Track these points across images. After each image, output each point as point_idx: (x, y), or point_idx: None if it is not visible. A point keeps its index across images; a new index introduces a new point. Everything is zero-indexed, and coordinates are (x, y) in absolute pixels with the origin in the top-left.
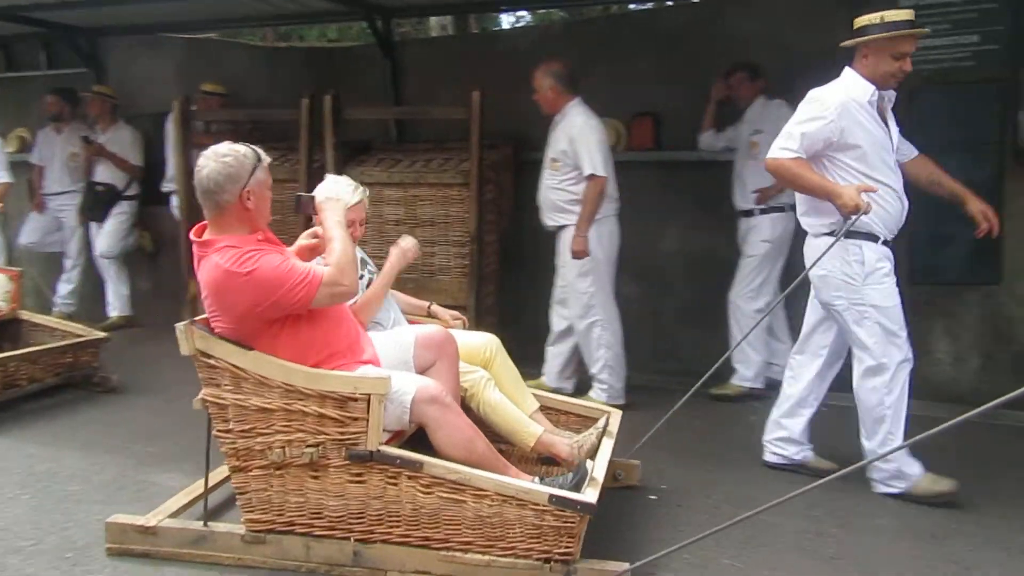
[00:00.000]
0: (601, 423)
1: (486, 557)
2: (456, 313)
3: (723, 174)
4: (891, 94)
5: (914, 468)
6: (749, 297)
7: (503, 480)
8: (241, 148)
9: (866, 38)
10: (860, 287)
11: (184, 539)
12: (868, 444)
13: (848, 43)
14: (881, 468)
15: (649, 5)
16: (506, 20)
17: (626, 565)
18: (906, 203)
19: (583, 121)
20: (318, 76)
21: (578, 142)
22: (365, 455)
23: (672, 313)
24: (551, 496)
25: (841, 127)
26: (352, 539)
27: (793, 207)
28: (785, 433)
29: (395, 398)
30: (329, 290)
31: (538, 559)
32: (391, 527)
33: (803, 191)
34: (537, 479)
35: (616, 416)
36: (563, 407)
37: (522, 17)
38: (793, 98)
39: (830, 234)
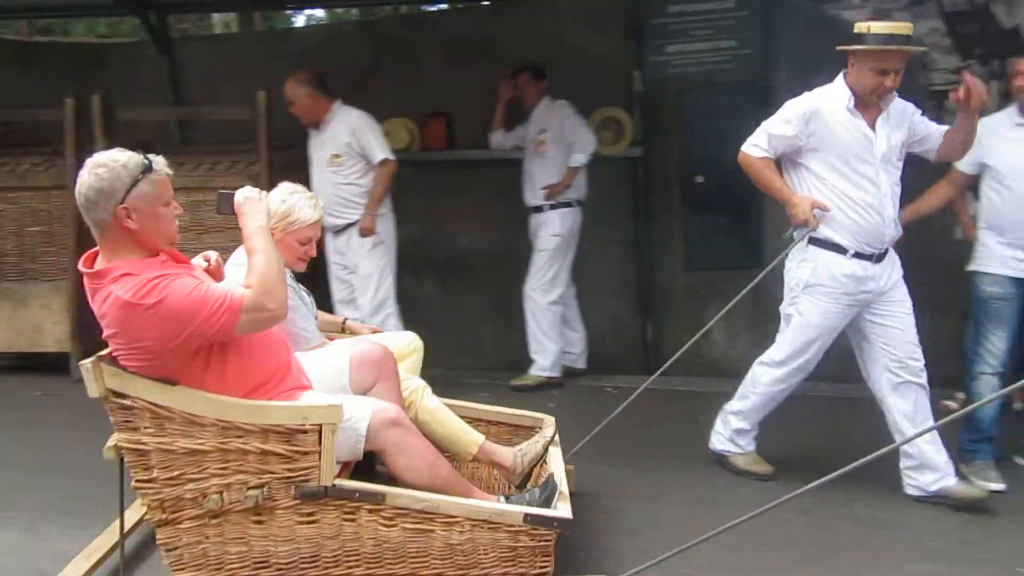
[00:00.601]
0: (548, 432)
1: None
2: (374, 326)
3: (515, 172)
4: (897, 102)
5: (749, 445)
6: (543, 290)
7: (474, 504)
8: (123, 156)
9: (851, 47)
10: (799, 293)
11: None
12: (728, 406)
13: (841, 47)
14: (727, 431)
15: (441, 6)
16: (301, 18)
17: None
18: (889, 215)
19: (358, 114)
20: (86, 74)
21: (363, 132)
22: (319, 492)
23: (472, 308)
24: (526, 515)
25: (809, 133)
26: None
27: (580, 202)
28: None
29: (348, 426)
30: (252, 316)
31: None
32: (350, 568)
33: (764, 190)
34: (502, 498)
35: (550, 422)
36: (491, 417)
37: (313, 16)
38: (579, 99)
39: (831, 245)
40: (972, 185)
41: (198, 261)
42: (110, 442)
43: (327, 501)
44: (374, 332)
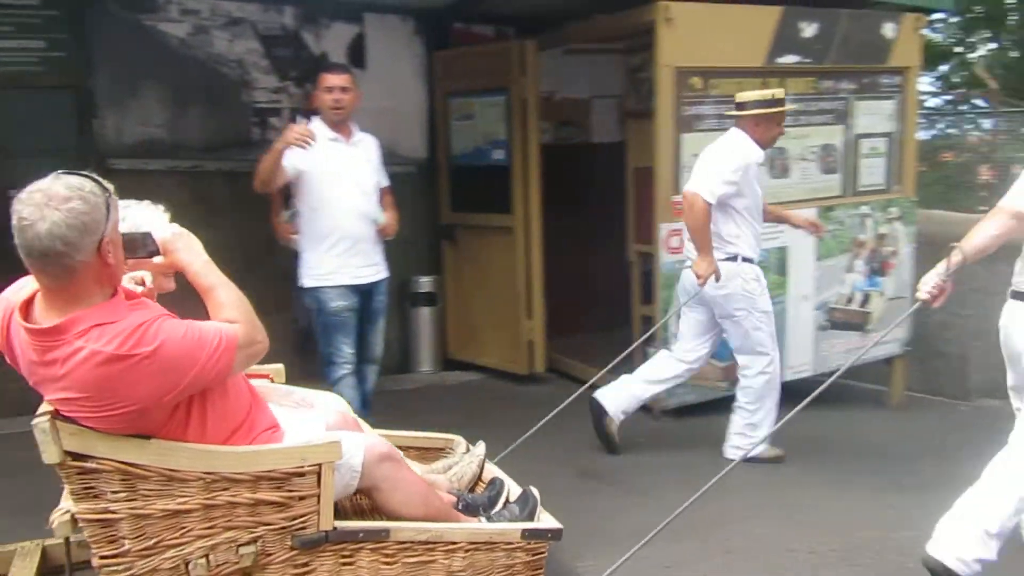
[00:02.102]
0: (477, 450)
1: None
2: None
3: None
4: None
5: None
6: None
7: (474, 527)
8: (77, 181)
9: (769, 111)
10: (757, 298)
11: None
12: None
13: (762, 112)
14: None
15: None
16: None
17: None
18: None
19: None
20: None
21: None
22: (319, 538)
23: None
24: (524, 531)
25: (745, 182)
26: None
27: None
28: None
29: (343, 463)
30: (246, 352)
31: None
32: None
33: (695, 232)
34: (484, 519)
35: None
36: (401, 442)
37: None
38: None
39: (731, 259)
40: None
41: (128, 285)
42: (59, 515)
43: (325, 547)
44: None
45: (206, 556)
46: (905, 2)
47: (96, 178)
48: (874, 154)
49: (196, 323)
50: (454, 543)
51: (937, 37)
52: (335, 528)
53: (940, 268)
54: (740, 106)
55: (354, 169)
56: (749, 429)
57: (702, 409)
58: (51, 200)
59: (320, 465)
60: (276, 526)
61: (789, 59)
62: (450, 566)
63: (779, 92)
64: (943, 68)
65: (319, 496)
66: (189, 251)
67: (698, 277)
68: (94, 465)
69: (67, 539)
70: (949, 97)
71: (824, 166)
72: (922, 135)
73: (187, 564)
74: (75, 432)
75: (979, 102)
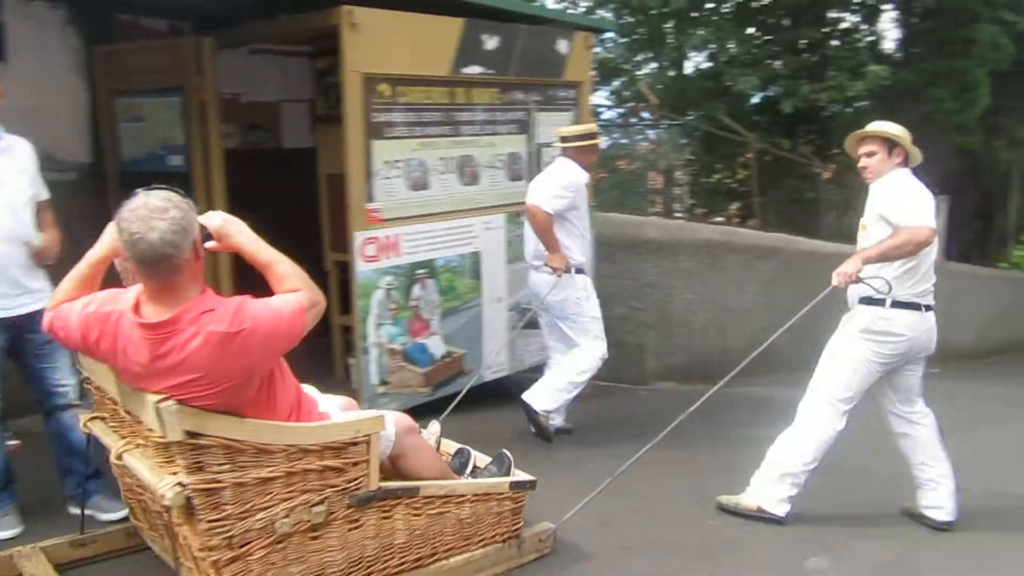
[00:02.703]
0: (433, 428)
1: (466, 555)
2: None
3: None
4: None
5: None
6: None
7: (475, 483)
8: (165, 194)
9: (587, 143)
10: (583, 304)
11: None
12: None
13: (583, 144)
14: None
15: None
16: None
17: (550, 525)
18: None
19: None
20: None
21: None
22: (370, 496)
23: None
24: (511, 483)
25: (578, 198)
26: None
27: None
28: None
29: (383, 434)
30: (312, 313)
31: (499, 541)
32: (386, 562)
33: (543, 236)
34: (469, 476)
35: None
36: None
37: None
38: None
39: (576, 270)
40: None
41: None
42: (170, 487)
43: (372, 504)
44: None
45: (287, 516)
46: (577, 21)
47: (176, 190)
48: None
49: (267, 299)
50: (463, 496)
51: (610, 56)
52: (380, 488)
53: (855, 263)
54: (564, 139)
55: None
56: (564, 391)
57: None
58: (153, 213)
59: (369, 435)
60: (338, 487)
61: (473, 69)
62: (459, 515)
63: (592, 127)
64: (616, 84)
65: (368, 461)
66: (240, 233)
67: (555, 270)
68: (205, 442)
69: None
70: (621, 110)
71: (511, 173)
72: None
73: (273, 523)
74: (192, 413)
75: (646, 115)
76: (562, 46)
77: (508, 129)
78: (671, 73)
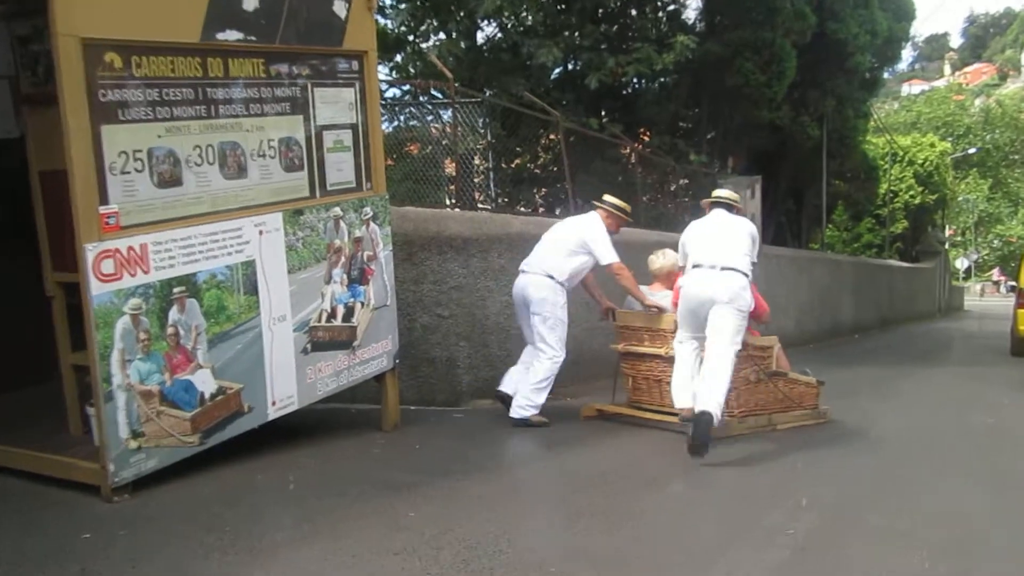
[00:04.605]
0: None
1: (800, 412)
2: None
3: None
4: None
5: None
6: None
7: (808, 377)
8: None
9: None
10: (559, 310)
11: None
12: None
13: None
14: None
15: None
16: None
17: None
18: None
19: None
20: None
21: None
22: (772, 373)
23: None
24: (817, 380)
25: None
26: (768, 416)
27: None
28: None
29: (776, 346)
30: None
31: (809, 408)
32: (772, 407)
33: (628, 290)
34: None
35: None
36: None
37: None
38: None
39: (549, 277)
40: None
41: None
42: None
43: (768, 380)
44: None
45: (756, 374)
46: None
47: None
48: (340, 148)
49: None
50: (804, 381)
51: (391, 25)
52: (774, 371)
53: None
54: (602, 202)
55: None
56: (534, 395)
57: (175, 473)
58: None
59: (773, 345)
60: (761, 368)
61: (231, 35)
62: (800, 390)
63: (627, 207)
64: (399, 58)
65: (772, 357)
66: None
67: (661, 309)
68: (760, 353)
69: None
70: (407, 87)
71: (287, 162)
72: (385, 127)
73: (752, 375)
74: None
75: (437, 93)
76: (339, 7)
77: (279, 109)
78: (463, 44)
